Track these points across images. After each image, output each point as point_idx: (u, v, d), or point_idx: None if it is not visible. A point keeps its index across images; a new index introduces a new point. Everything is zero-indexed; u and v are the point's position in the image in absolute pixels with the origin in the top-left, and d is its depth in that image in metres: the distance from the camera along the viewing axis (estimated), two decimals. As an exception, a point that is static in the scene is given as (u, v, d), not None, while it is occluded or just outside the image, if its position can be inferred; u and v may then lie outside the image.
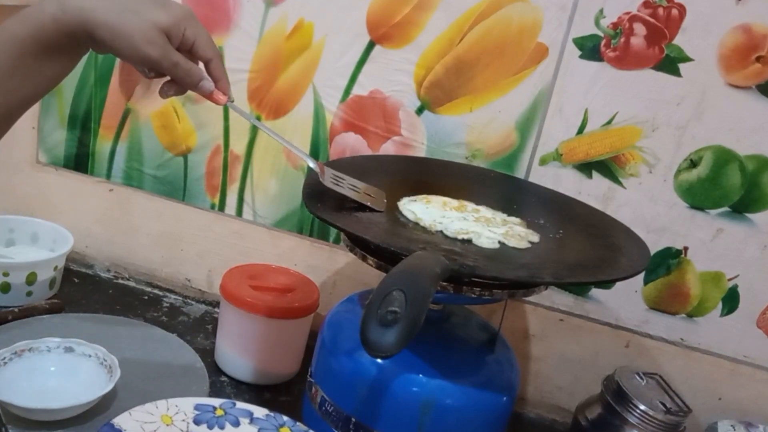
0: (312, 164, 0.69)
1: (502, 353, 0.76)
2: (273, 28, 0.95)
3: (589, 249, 0.72)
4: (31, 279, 0.94)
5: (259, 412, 0.59)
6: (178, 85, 0.62)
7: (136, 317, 0.96)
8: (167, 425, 0.55)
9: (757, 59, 0.82)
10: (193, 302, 1.08)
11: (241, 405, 0.59)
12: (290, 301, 0.89)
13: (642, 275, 0.91)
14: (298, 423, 0.58)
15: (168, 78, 0.61)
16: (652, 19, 0.84)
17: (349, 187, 0.70)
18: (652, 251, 0.88)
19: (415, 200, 0.77)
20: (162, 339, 0.91)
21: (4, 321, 0.87)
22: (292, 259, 1.04)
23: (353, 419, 0.68)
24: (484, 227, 0.72)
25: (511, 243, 0.70)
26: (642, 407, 0.79)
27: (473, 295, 0.62)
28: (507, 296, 0.66)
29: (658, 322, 0.93)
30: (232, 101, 0.64)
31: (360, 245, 0.67)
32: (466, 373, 0.70)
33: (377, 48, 0.92)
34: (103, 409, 0.73)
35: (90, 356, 0.78)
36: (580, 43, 0.86)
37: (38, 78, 0.57)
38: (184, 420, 0.56)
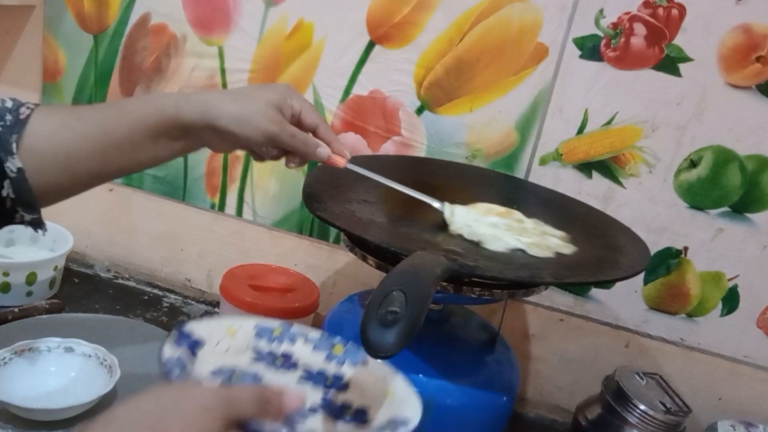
0: (437, 205, 0.71)
1: (502, 353, 0.76)
2: (273, 28, 0.95)
3: (589, 249, 0.72)
4: (31, 279, 0.94)
5: (314, 333, 0.63)
6: (297, 156, 0.65)
7: (136, 317, 0.96)
8: (232, 335, 0.59)
9: (757, 59, 0.82)
10: (193, 302, 1.08)
11: (296, 327, 0.62)
12: (290, 301, 0.89)
13: (642, 275, 0.91)
14: (350, 341, 0.61)
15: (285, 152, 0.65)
16: (652, 19, 0.84)
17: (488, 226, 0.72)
18: (652, 251, 0.88)
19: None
20: (162, 339, 0.90)
21: (4, 321, 0.87)
22: (292, 259, 1.04)
23: (353, 419, 0.68)
24: (511, 234, 0.70)
25: (532, 251, 0.68)
26: (642, 407, 0.79)
27: (473, 295, 0.62)
28: (507, 296, 0.66)
29: (658, 322, 0.93)
30: (349, 159, 0.67)
31: (360, 245, 0.68)
32: (466, 373, 0.70)
33: (377, 48, 0.92)
34: (103, 409, 0.73)
35: (90, 356, 0.78)
36: (580, 43, 0.86)
37: (144, 156, 0.61)
38: (246, 334, 0.60)
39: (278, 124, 0.61)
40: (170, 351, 0.51)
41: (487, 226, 0.71)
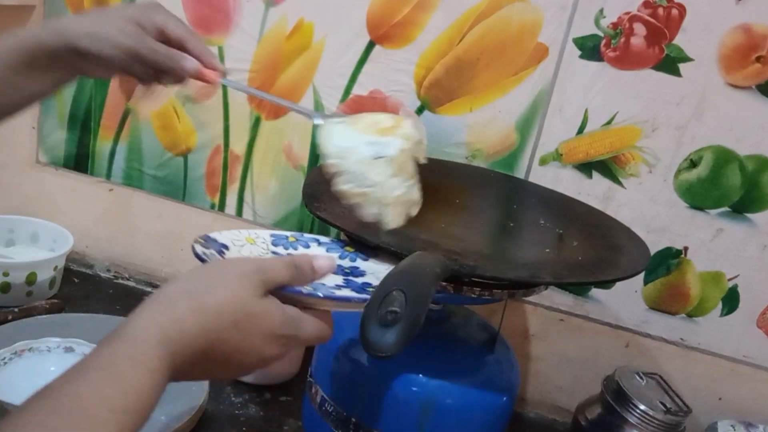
0: (317, 121, 0.66)
1: (502, 353, 0.76)
2: (273, 28, 0.95)
3: (589, 249, 0.72)
4: (31, 279, 0.94)
5: (324, 238, 0.68)
6: (168, 73, 0.62)
7: (136, 317, 0.96)
8: (251, 244, 0.63)
9: (757, 59, 0.82)
10: (193, 302, 1.07)
11: (308, 235, 0.68)
12: (290, 301, 0.88)
13: (642, 275, 0.91)
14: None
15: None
16: (652, 19, 0.84)
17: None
18: (652, 251, 0.88)
19: (343, 121, 0.67)
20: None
21: (4, 321, 0.87)
22: (292, 259, 1.03)
23: (353, 419, 0.68)
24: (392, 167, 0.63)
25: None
26: (642, 407, 0.79)
27: (473, 295, 0.62)
28: (507, 296, 0.66)
29: (658, 322, 0.93)
30: (225, 75, 0.63)
31: (360, 245, 0.67)
32: (466, 373, 0.70)
33: (377, 48, 0.92)
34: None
35: (90, 356, 0.78)
36: (580, 43, 0.86)
37: (17, 94, 0.60)
38: (264, 242, 0.64)
39: (136, 38, 0.59)
40: (202, 249, 0.55)
41: (367, 164, 0.63)
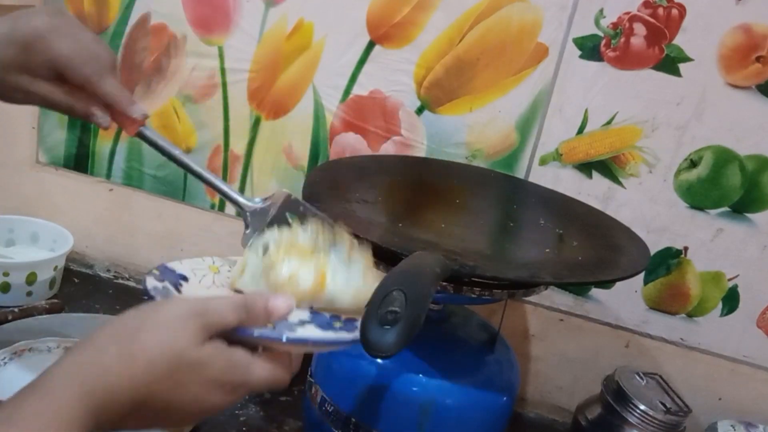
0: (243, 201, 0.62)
1: (502, 353, 0.76)
2: (273, 28, 0.95)
3: (589, 249, 0.72)
4: (31, 279, 0.94)
5: None
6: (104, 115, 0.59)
7: (136, 317, 0.96)
8: (215, 273, 0.59)
9: (757, 59, 0.82)
10: (193, 302, 1.07)
11: None
12: (290, 301, 0.88)
13: (642, 275, 0.91)
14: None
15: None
16: (652, 19, 0.84)
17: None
18: (652, 251, 0.87)
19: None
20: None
21: (4, 321, 0.86)
22: (292, 259, 1.03)
23: (353, 419, 0.68)
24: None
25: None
26: (642, 407, 0.80)
27: (473, 295, 0.62)
28: (507, 296, 0.66)
29: (658, 322, 0.93)
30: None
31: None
32: (466, 373, 0.70)
33: (377, 48, 0.92)
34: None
35: (90, 356, 0.78)
36: (580, 43, 0.86)
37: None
38: (230, 269, 0.59)
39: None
40: (154, 283, 0.51)
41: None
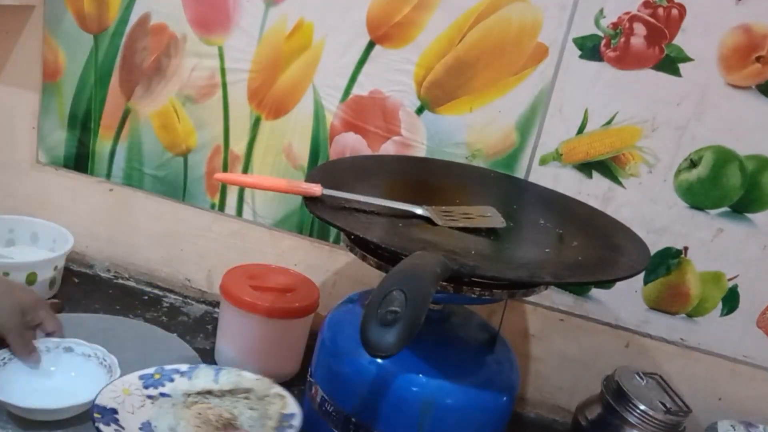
0: (421, 211, 0.71)
1: (502, 353, 0.76)
2: (273, 28, 0.95)
3: (589, 249, 0.72)
4: (31, 279, 0.94)
5: (184, 366, 0.77)
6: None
7: (136, 317, 0.96)
8: (127, 395, 0.70)
9: (757, 59, 0.82)
10: (193, 302, 1.08)
11: (170, 366, 0.76)
12: (290, 301, 0.88)
13: (642, 275, 0.91)
14: (227, 368, 0.78)
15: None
16: (652, 19, 0.84)
17: (462, 217, 0.72)
18: (652, 251, 0.88)
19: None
20: (162, 339, 0.91)
21: (4, 321, 0.86)
22: (292, 259, 1.04)
23: (353, 419, 0.68)
24: None
25: None
26: (642, 407, 0.80)
27: (473, 295, 0.62)
28: (507, 296, 0.66)
29: (658, 322, 0.93)
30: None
31: (360, 245, 0.67)
32: (466, 373, 0.70)
33: (377, 48, 0.92)
34: (103, 409, 0.73)
35: (90, 356, 0.78)
36: (580, 43, 0.86)
37: None
38: (138, 389, 0.72)
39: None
40: (103, 426, 0.64)
41: None
